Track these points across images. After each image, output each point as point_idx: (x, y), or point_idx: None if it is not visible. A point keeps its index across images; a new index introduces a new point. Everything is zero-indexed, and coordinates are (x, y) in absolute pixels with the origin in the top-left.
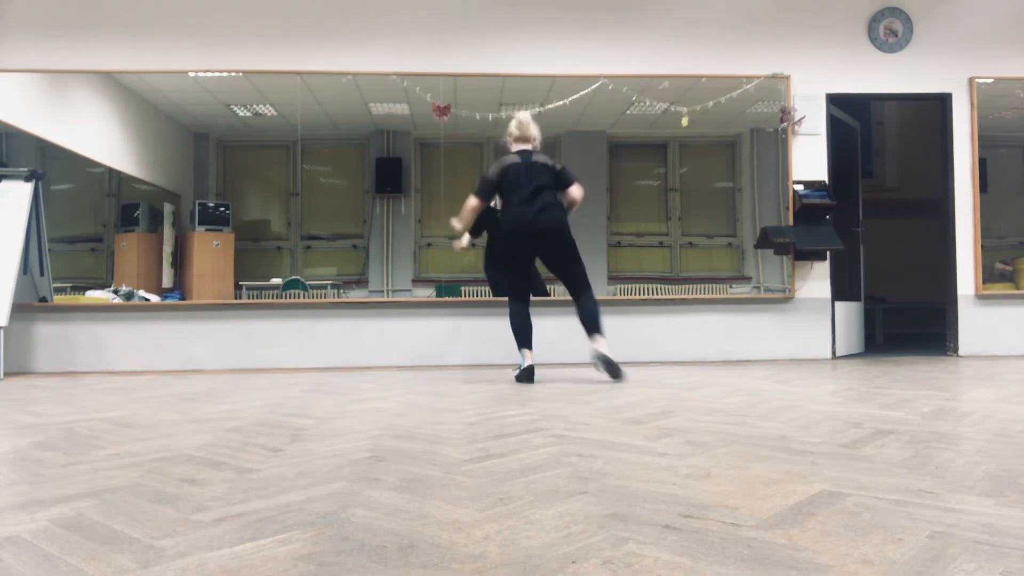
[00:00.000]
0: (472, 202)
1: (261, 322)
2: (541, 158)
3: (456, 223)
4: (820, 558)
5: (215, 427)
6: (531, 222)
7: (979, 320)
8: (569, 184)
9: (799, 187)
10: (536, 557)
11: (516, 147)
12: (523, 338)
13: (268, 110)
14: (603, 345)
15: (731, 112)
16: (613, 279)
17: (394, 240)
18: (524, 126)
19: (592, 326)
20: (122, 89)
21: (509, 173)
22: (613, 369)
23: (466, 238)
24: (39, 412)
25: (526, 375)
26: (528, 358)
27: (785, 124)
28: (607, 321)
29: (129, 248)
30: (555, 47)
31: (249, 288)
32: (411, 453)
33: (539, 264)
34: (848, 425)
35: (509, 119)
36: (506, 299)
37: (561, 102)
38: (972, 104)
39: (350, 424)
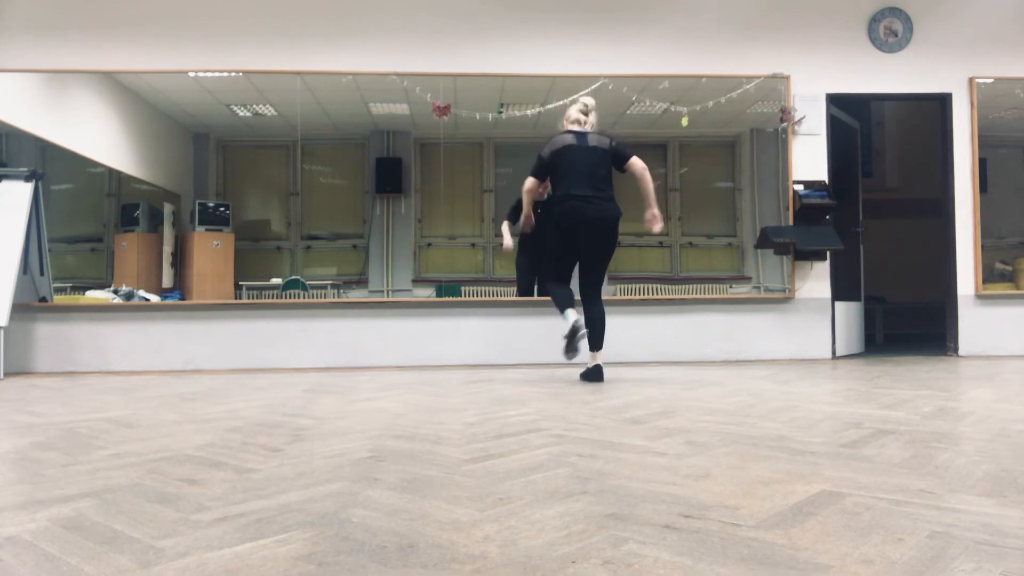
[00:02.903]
0: (528, 183)
1: (261, 322)
2: (596, 140)
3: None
4: (820, 558)
5: (215, 427)
6: (589, 216)
7: (979, 320)
8: (626, 160)
9: (799, 187)
10: (536, 557)
11: (572, 128)
12: (568, 301)
13: (268, 110)
14: (599, 359)
15: (731, 112)
16: (613, 279)
17: (394, 240)
18: (590, 110)
19: (598, 342)
20: (122, 89)
21: (565, 156)
22: (599, 378)
23: (507, 239)
24: (39, 412)
25: (578, 331)
26: (573, 315)
27: (785, 124)
28: (609, 321)
29: (129, 248)
30: (555, 47)
31: (249, 288)
32: (411, 453)
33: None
34: (848, 425)
35: (510, 119)
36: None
37: (561, 102)
38: (972, 104)
39: (350, 424)
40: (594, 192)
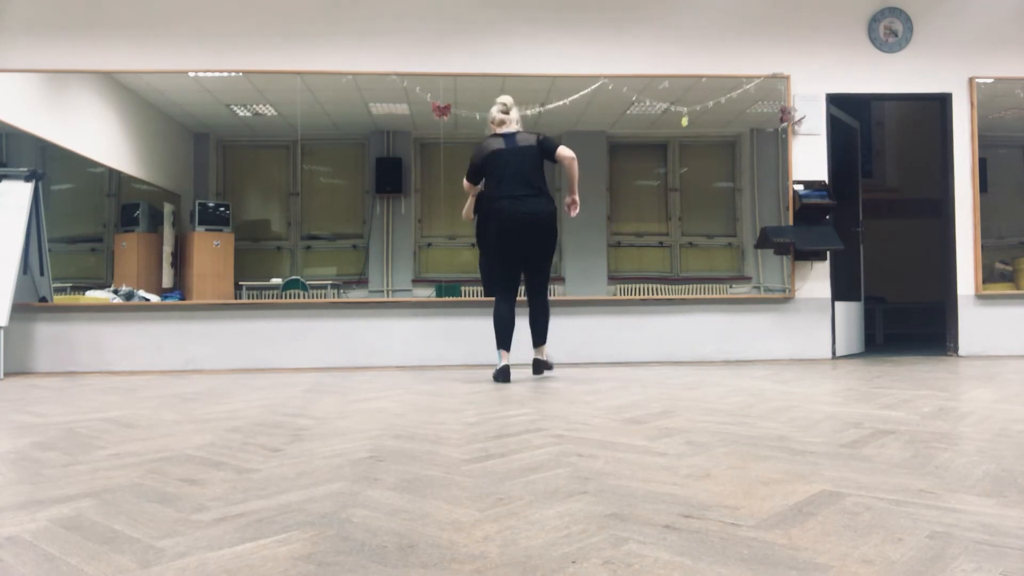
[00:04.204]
0: (465, 185)
1: (261, 322)
2: (524, 139)
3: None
4: (820, 558)
5: (215, 427)
6: (521, 214)
7: (979, 320)
8: (554, 151)
9: (799, 187)
10: (536, 557)
11: (499, 130)
12: (504, 339)
13: (268, 110)
14: (542, 354)
15: (731, 112)
16: (613, 279)
17: (394, 240)
18: (509, 108)
19: (542, 336)
20: (122, 89)
21: (495, 161)
22: (541, 369)
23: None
24: (39, 412)
25: (502, 375)
26: (504, 359)
27: (785, 124)
28: (609, 321)
29: (129, 248)
30: (555, 47)
31: (249, 288)
32: (411, 453)
33: None
34: (848, 425)
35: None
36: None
37: (561, 102)
38: (972, 104)
39: (350, 424)
40: (525, 192)
